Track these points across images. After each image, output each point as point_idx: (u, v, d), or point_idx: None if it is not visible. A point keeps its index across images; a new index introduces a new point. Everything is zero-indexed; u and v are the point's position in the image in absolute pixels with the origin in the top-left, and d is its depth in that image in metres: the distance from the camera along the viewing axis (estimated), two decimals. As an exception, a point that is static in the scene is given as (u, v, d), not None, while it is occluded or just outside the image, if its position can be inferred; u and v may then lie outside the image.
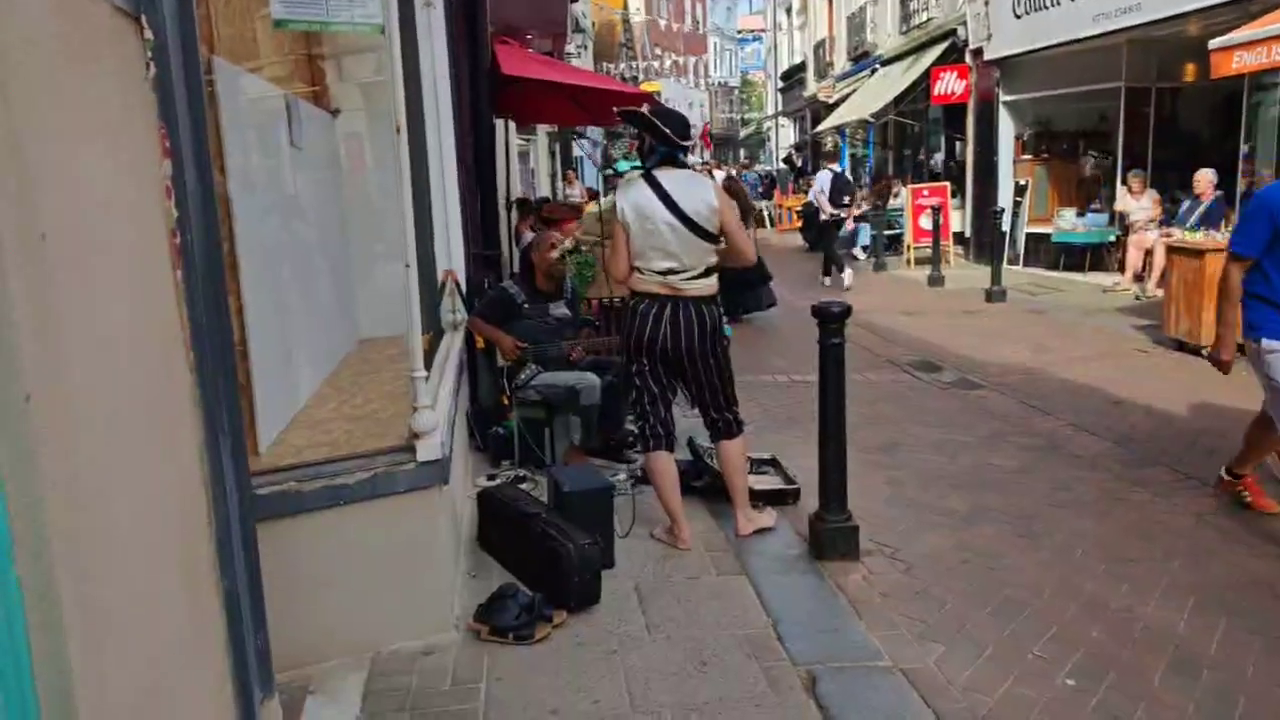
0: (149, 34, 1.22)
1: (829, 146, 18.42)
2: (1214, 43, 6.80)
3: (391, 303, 3.08)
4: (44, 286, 0.96)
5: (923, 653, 2.90)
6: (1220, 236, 7.11)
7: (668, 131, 3.46)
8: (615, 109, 3.92)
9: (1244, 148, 9.12)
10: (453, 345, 4.45)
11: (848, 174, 13.52)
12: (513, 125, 11.43)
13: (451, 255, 5.08)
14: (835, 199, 11.87)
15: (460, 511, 3.67)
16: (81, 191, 1.08)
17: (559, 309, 4.80)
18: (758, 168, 20.89)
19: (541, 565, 3.14)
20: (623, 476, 4.28)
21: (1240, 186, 9.05)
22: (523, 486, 4.06)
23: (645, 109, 3.56)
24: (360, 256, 4.48)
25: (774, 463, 4.45)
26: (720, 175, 13.64)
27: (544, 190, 16.99)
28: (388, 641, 2.82)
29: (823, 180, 12.28)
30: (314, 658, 2.69)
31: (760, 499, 3.97)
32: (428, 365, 3.48)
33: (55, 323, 0.98)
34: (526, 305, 4.66)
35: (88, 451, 1.04)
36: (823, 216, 12.06)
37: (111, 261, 1.17)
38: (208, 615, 1.35)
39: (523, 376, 4.53)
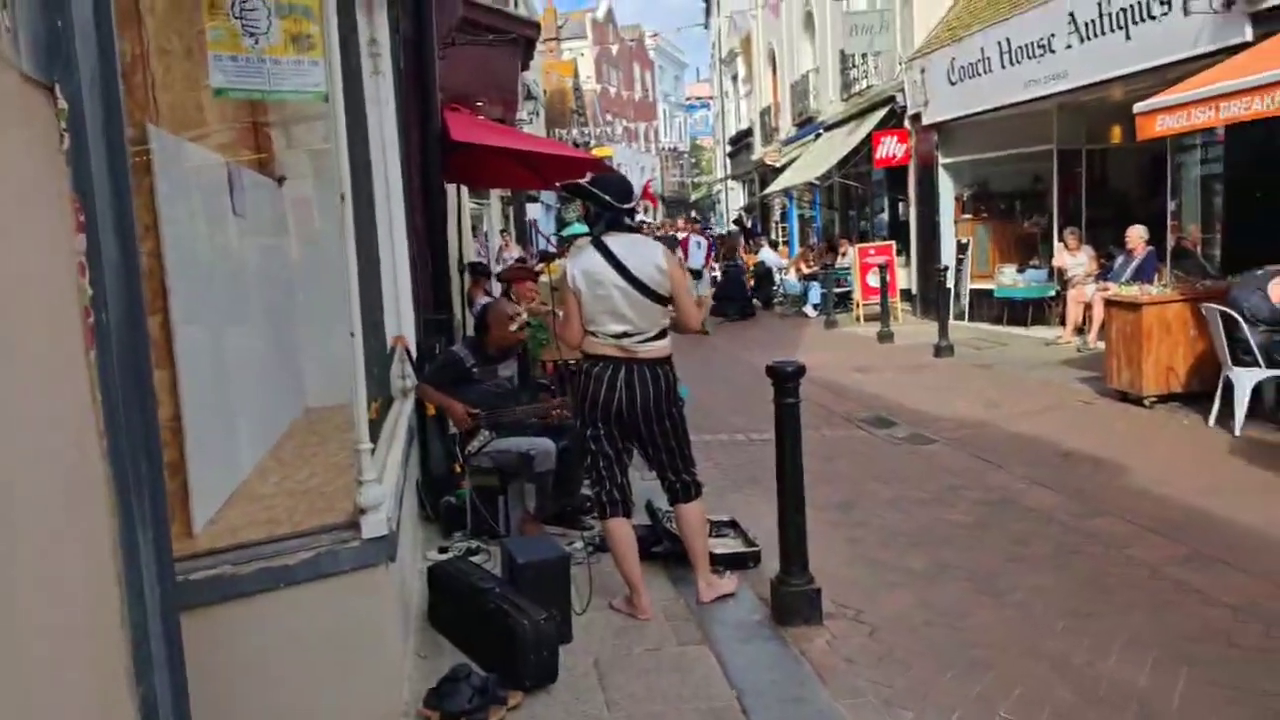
0: (62, 103, 1.16)
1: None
2: (1138, 107, 7.11)
3: (340, 371, 3.00)
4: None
5: (890, 720, 2.83)
6: (1154, 290, 7.33)
7: (607, 199, 3.52)
8: (557, 184, 3.97)
9: (1171, 205, 9.53)
10: (402, 413, 4.34)
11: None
12: (465, 190, 11.47)
13: (401, 321, 5.00)
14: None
15: (410, 588, 3.52)
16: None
17: (508, 368, 4.74)
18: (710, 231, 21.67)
19: (495, 643, 3.01)
20: (580, 545, 4.17)
21: (1169, 242, 9.43)
22: (475, 558, 3.92)
23: (586, 179, 3.62)
24: (309, 324, 4.38)
25: (734, 525, 4.38)
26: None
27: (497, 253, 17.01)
28: (331, 732, 2.66)
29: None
30: (250, 753, 2.51)
31: (721, 563, 3.89)
32: (375, 435, 3.37)
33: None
34: (476, 369, 4.58)
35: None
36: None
37: (18, 345, 1.09)
38: (122, 725, 1.23)
39: (475, 444, 4.43)
